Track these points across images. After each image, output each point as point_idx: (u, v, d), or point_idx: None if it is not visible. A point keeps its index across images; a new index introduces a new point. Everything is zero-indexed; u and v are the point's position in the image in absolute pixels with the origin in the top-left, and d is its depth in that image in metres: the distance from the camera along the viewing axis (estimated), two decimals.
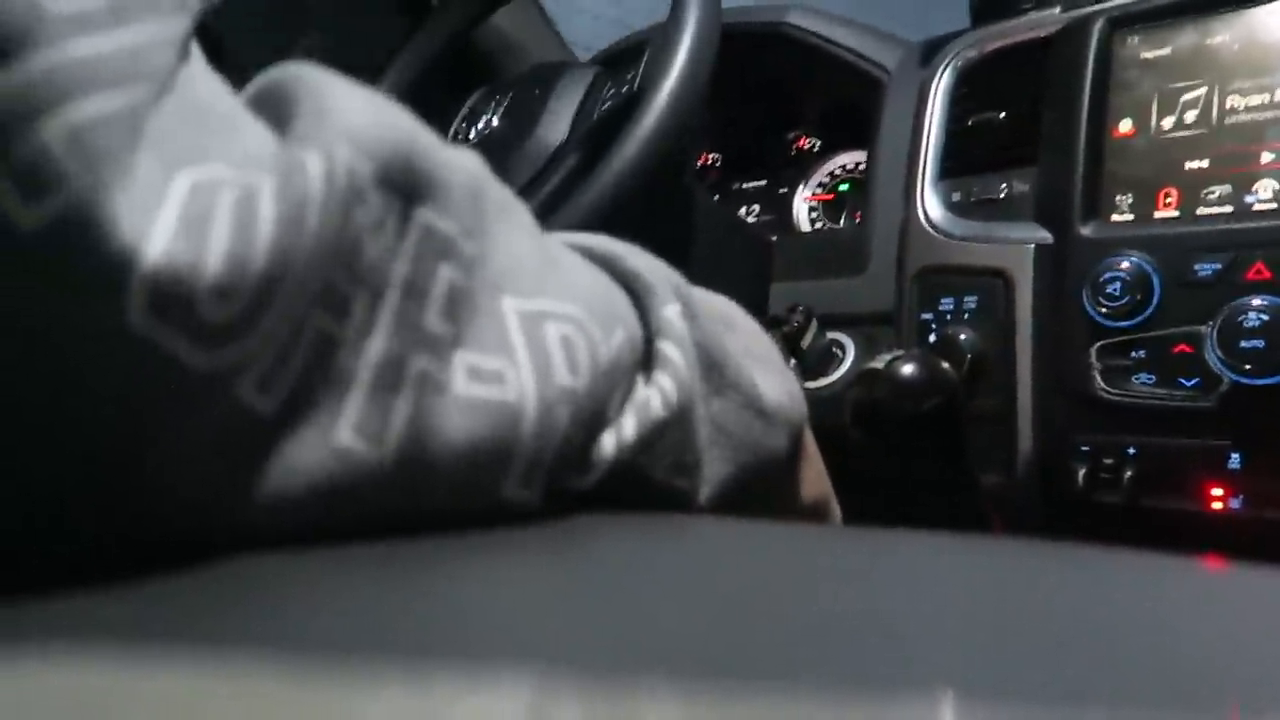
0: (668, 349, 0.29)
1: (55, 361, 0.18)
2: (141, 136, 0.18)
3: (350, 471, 0.21)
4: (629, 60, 0.81)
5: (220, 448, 0.20)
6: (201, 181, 0.18)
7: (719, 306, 0.34)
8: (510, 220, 0.26)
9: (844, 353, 0.80)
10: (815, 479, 0.38)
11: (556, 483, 0.27)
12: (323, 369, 0.21)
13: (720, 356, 0.31)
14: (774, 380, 0.33)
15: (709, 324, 0.31)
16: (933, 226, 0.72)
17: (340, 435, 0.21)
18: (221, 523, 0.20)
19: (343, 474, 0.21)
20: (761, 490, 0.34)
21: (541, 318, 0.25)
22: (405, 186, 0.22)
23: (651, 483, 0.29)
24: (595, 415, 0.27)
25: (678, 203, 0.79)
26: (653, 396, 0.29)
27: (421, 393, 0.22)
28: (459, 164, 0.24)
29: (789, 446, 0.34)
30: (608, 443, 0.27)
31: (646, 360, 0.29)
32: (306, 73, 0.22)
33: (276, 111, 0.21)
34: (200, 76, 0.20)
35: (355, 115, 0.21)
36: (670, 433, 0.29)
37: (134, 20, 0.18)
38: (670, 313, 0.30)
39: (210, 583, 0.19)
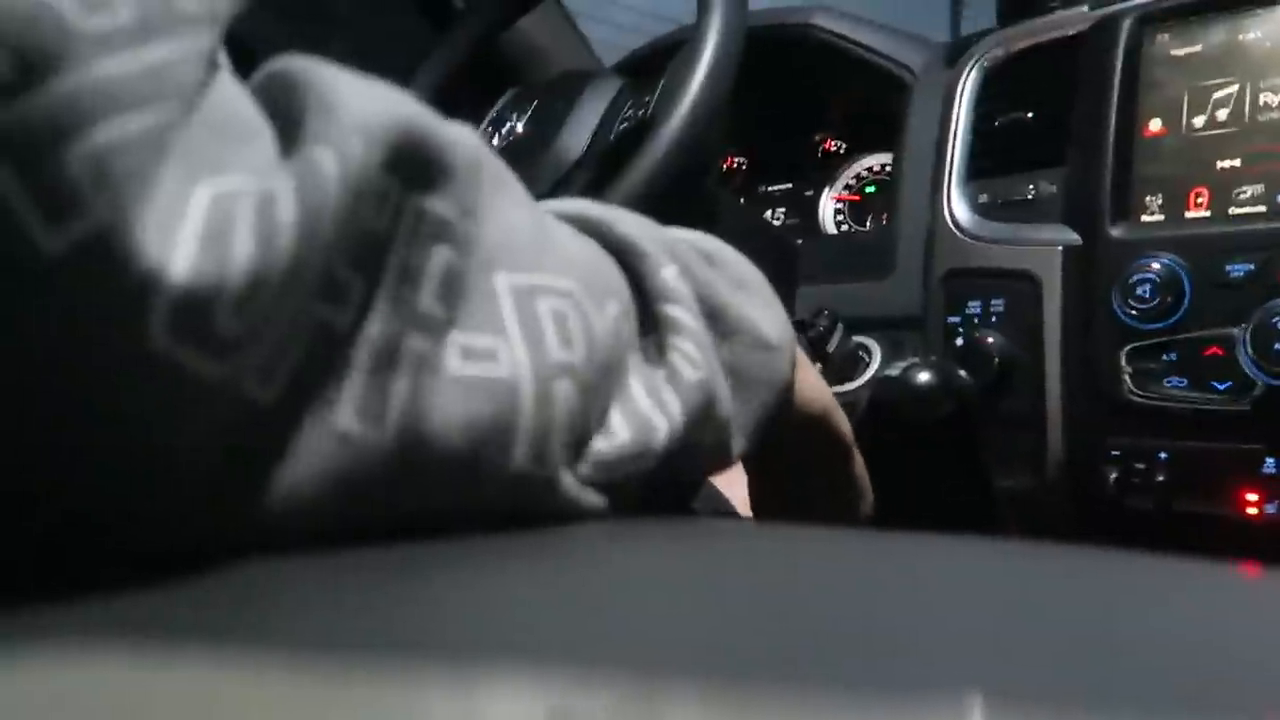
0: (677, 313, 0.29)
1: (75, 383, 0.18)
2: (165, 154, 0.18)
3: (353, 455, 0.21)
4: (652, 73, 0.81)
5: (224, 441, 0.20)
6: (222, 193, 0.18)
7: (698, 245, 0.33)
8: (506, 194, 0.26)
9: (870, 356, 0.80)
10: (815, 384, 0.38)
11: (615, 474, 0.27)
12: (321, 356, 0.21)
13: (719, 303, 0.31)
14: (767, 311, 0.33)
15: (701, 272, 0.31)
16: (959, 229, 0.71)
17: (341, 419, 0.21)
18: (233, 520, 0.20)
19: (345, 458, 0.21)
20: (776, 420, 0.34)
21: (534, 292, 0.25)
22: (409, 172, 0.22)
23: (700, 449, 0.29)
24: (610, 387, 0.27)
25: (702, 206, 0.79)
26: (681, 365, 0.28)
27: (418, 373, 0.22)
28: (462, 144, 0.24)
29: (790, 371, 0.34)
30: (660, 428, 0.27)
31: (647, 327, 0.29)
32: (311, 67, 0.22)
33: (286, 107, 0.21)
34: (225, 84, 0.20)
35: (365, 107, 0.21)
36: (707, 395, 0.29)
37: (161, 36, 0.18)
38: (669, 276, 0.30)
39: (225, 585, 0.19)
